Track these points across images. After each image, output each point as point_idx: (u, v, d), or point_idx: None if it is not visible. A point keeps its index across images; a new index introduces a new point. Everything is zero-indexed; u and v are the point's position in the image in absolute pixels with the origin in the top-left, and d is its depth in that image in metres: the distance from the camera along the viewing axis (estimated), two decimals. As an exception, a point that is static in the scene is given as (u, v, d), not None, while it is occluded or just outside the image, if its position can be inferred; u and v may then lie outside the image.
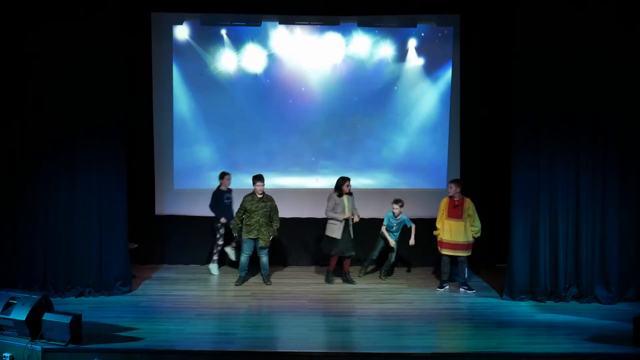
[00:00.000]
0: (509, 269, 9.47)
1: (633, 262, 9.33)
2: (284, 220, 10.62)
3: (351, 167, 11.09)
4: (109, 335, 7.94)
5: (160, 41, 10.83)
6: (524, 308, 9.17)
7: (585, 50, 9.07)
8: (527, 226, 9.31)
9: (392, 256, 10.38)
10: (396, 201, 10.17)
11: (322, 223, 11.02)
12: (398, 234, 10.31)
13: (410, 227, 10.26)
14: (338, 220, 9.99)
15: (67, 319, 7.53)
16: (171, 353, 7.61)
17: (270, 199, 10.07)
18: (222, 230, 10.56)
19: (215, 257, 10.63)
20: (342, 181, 10.04)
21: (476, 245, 9.98)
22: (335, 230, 10.05)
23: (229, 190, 10.73)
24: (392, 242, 10.25)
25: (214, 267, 10.64)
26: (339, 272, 10.34)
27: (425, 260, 10.84)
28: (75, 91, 9.17)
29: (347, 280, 10.28)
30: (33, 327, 7.61)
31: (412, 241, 10.25)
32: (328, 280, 10.26)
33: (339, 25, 10.85)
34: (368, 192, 10.88)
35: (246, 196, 10.03)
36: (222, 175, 10.65)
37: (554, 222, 9.29)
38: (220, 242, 10.59)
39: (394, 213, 10.18)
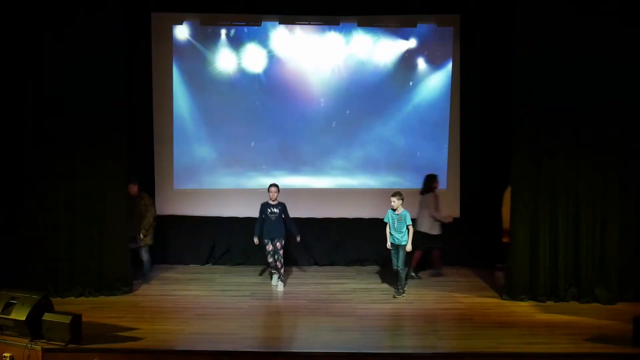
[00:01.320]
0: (509, 269, 9.46)
1: (633, 262, 9.32)
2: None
3: (351, 166, 11.11)
4: (109, 335, 7.93)
5: (160, 41, 10.83)
6: (524, 308, 9.16)
7: (585, 51, 9.05)
8: (527, 226, 9.31)
9: (399, 264, 9.53)
10: (394, 194, 9.53)
11: (322, 223, 11.07)
12: (400, 236, 9.45)
13: (408, 229, 9.53)
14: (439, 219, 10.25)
15: (67, 319, 7.52)
16: (171, 353, 7.60)
17: (142, 197, 10.13)
18: (269, 247, 9.93)
19: (274, 272, 10.10)
20: (434, 179, 10.32)
21: (476, 245, 9.98)
22: (437, 227, 10.25)
23: (279, 204, 9.96)
24: (388, 244, 9.65)
25: (279, 283, 10.04)
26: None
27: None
28: (76, 91, 9.17)
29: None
30: (33, 327, 7.59)
31: (409, 246, 9.47)
32: (415, 276, 10.39)
33: (339, 25, 10.86)
34: (368, 192, 10.87)
35: None
36: (268, 188, 10.02)
37: (554, 222, 9.28)
38: (270, 260, 9.97)
39: (392, 208, 9.55)
